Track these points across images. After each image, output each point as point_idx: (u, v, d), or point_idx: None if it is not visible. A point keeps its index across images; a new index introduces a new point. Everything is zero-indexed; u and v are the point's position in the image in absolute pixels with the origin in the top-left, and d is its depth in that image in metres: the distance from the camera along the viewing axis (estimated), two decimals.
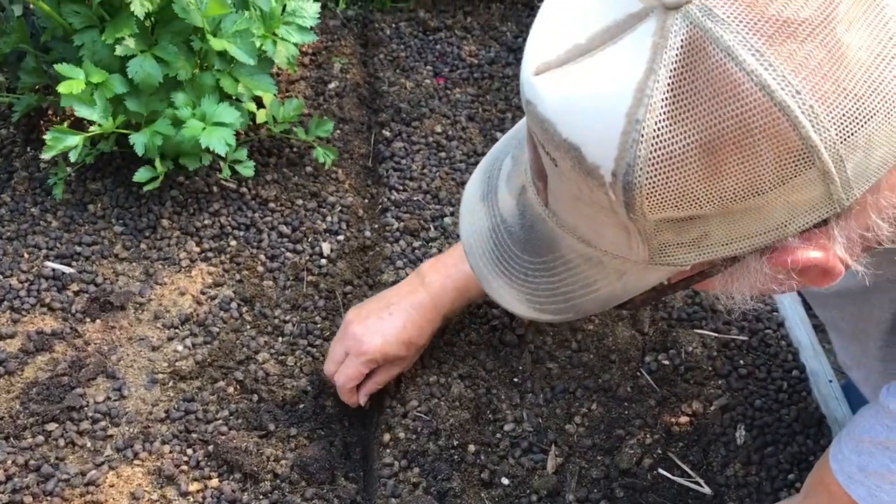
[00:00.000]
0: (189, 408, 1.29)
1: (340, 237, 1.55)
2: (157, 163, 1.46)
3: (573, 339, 1.39)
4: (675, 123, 0.61)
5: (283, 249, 1.52)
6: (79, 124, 1.51)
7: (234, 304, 1.43)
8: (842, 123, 0.60)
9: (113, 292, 1.42)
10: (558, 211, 0.76)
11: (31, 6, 1.41)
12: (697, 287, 0.82)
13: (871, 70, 0.60)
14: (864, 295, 1.01)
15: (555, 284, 0.81)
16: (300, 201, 1.60)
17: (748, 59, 0.58)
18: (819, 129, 0.60)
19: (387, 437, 1.27)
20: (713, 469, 1.25)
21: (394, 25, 2.03)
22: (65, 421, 1.26)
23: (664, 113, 0.61)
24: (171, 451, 1.25)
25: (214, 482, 1.22)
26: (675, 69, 0.60)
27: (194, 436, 1.27)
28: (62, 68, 1.36)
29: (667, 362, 1.36)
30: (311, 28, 1.54)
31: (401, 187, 1.64)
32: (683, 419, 1.30)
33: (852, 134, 0.61)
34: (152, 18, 1.43)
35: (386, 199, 1.63)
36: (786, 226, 0.66)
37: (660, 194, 0.64)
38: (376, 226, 1.60)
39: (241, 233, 1.53)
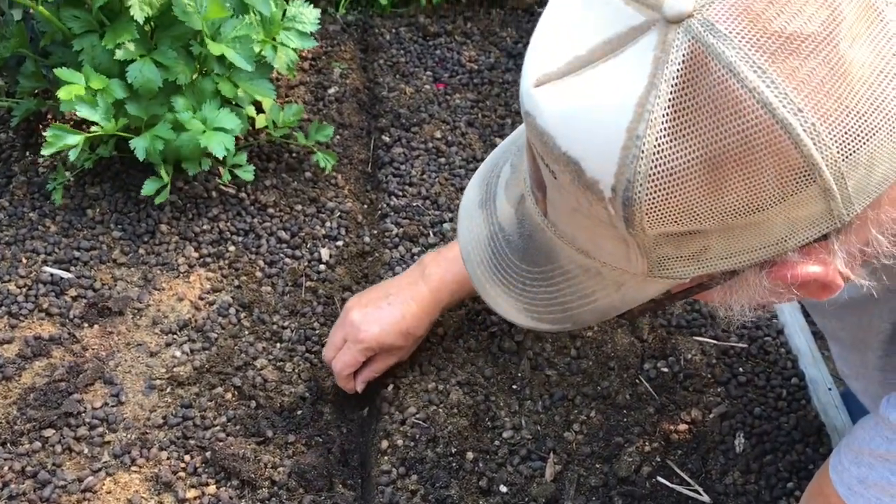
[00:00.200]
0: (187, 414, 1.29)
1: (339, 243, 1.55)
2: (163, 172, 1.45)
3: (572, 346, 1.39)
4: (675, 140, 0.60)
5: (281, 255, 1.52)
6: (78, 128, 1.50)
7: (232, 310, 1.43)
8: (844, 141, 0.60)
9: (111, 298, 1.42)
10: (557, 222, 0.76)
11: (31, 10, 1.41)
12: (696, 298, 0.82)
13: (874, 86, 0.60)
14: (864, 305, 1.00)
15: (553, 294, 0.81)
16: (299, 207, 1.59)
17: (750, 75, 0.58)
18: (821, 146, 0.59)
19: (385, 444, 1.27)
20: (712, 477, 1.25)
21: (394, 31, 2.02)
22: (62, 427, 1.26)
23: (665, 129, 0.60)
24: (168, 458, 1.24)
25: (212, 489, 1.22)
26: (676, 84, 0.60)
27: (192, 442, 1.26)
28: (62, 73, 1.36)
29: (666, 370, 1.36)
30: (311, 34, 1.53)
31: (400, 193, 1.64)
32: (682, 427, 1.29)
33: (854, 151, 0.60)
34: (152, 23, 1.43)
35: (385, 205, 1.62)
36: (786, 241, 0.66)
37: (659, 210, 0.63)
38: (375, 231, 1.60)
39: (240, 238, 1.53)
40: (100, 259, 1.47)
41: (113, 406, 1.29)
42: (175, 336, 1.39)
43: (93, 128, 1.40)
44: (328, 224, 1.57)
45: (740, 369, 1.37)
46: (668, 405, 1.32)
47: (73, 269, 1.46)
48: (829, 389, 1.36)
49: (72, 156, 1.37)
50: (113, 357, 1.35)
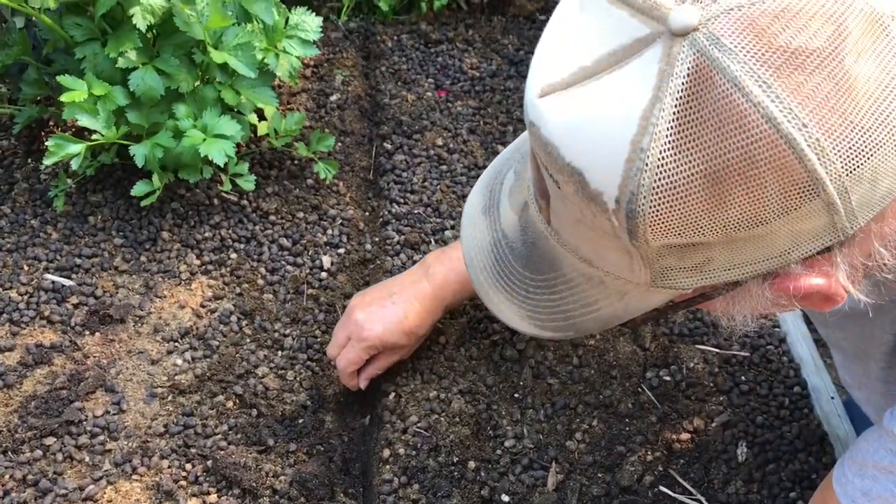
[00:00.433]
0: (188, 422, 1.29)
1: (341, 250, 1.55)
2: (155, 177, 1.45)
3: (574, 355, 1.38)
4: (679, 153, 0.60)
5: (283, 262, 1.52)
6: (80, 136, 1.50)
7: (233, 318, 1.43)
8: (848, 156, 0.60)
9: (112, 305, 1.41)
10: (560, 230, 0.76)
11: (34, 18, 1.41)
12: (699, 308, 0.81)
13: (879, 101, 0.60)
14: (866, 316, 1.00)
15: (555, 302, 0.81)
16: (301, 214, 1.59)
17: (755, 90, 0.58)
18: (825, 162, 0.59)
19: (386, 452, 1.26)
20: (714, 487, 1.24)
21: (395, 38, 2.03)
22: (63, 435, 1.26)
23: (669, 142, 0.60)
24: (169, 466, 1.24)
25: (213, 497, 1.22)
26: (680, 98, 0.60)
27: (193, 451, 1.26)
28: (65, 80, 1.36)
29: (668, 378, 1.36)
30: (314, 41, 1.53)
31: (402, 200, 1.64)
32: (685, 436, 1.29)
33: (858, 166, 0.60)
34: (154, 31, 1.43)
35: (387, 212, 1.62)
36: (789, 253, 0.66)
37: (663, 222, 0.63)
38: (377, 239, 1.60)
39: (242, 245, 1.53)
40: (101, 266, 1.47)
41: (114, 414, 1.29)
42: (176, 344, 1.39)
43: (94, 136, 1.40)
44: (330, 231, 1.57)
45: (742, 378, 1.37)
46: (670, 414, 1.32)
47: (74, 276, 1.46)
48: (832, 398, 1.36)
49: (74, 165, 1.37)
50: (114, 365, 1.35)
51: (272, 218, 1.58)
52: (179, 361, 1.36)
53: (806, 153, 0.59)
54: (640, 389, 1.35)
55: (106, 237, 1.52)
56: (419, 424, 1.29)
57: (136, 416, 1.30)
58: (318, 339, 1.42)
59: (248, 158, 1.60)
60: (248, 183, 1.52)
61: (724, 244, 0.65)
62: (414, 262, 1.52)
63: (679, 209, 0.62)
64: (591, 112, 0.64)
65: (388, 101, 1.85)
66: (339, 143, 1.74)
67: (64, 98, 1.34)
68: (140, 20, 1.34)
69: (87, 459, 1.24)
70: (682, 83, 0.60)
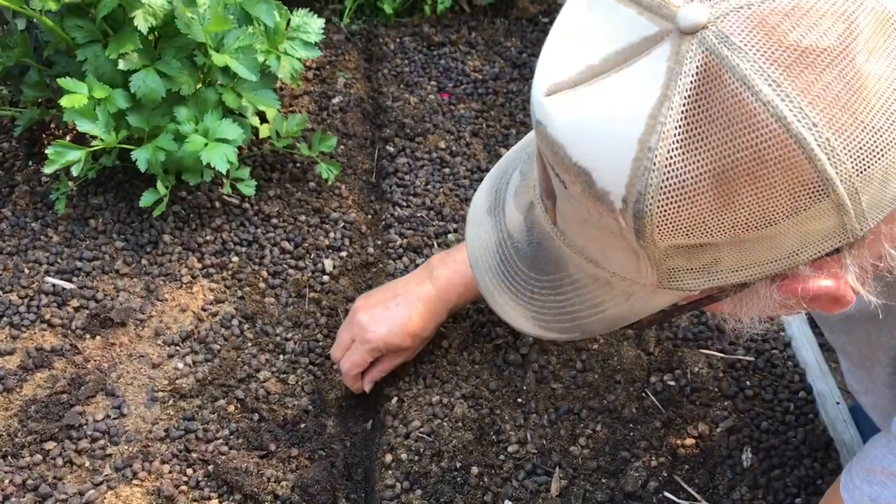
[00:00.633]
0: (189, 427, 1.28)
1: (343, 253, 1.54)
2: (160, 185, 1.45)
3: (578, 359, 1.37)
4: (687, 152, 0.60)
5: (285, 266, 1.51)
6: (81, 138, 1.50)
7: (235, 321, 1.42)
8: (858, 156, 0.59)
9: (113, 308, 1.41)
10: (566, 231, 0.75)
11: (35, 20, 1.41)
12: (706, 310, 0.81)
13: (891, 101, 0.59)
14: (873, 320, 1.00)
15: (561, 303, 0.80)
16: (303, 217, 1.59)
17: (765, 89, 0.57)
18: (835, 162, 0.59)
19: (389, 458, 1.25)
20: (719, 492, 1.23)
21: (398, 40, 2.02)
22: (63, 439, 1.25)
23: (677, 141, 0.60)
24: (170, 471, 1.23)
25: (214, 503, 1.21)
26: (689, 97, 0.59)
27: (194, 455, 1.25)
28: (65, 82, 1.35)
29: (672, 383, 1.35)
30: (316, 43, 1.53)
31: (404, 203, 1.63)
32: (689, 441, 1.28)
33: (869, 167, 0.60)
34: (156, 33, 1.43)
35: (389, 216, 1.62)
36: (797, 254, 0.65)
37: (671, 223, 0.63)
38: (379, 242, 1.59)
39: (243, 249, 1.52)
40: (102, 269, 1.47)
41: (115, 418, 1.28)
42: (177, 348, 1.38)
43: (94, 141, 1.39)
44: (332, 234, 1.57)
45: (747, 382, 1.36)
46: (674, 419, 1.31)
47: (75, 279, 1.45)
48: (837, 403, 1.35)
49: (74, 171, 1.36)
50: (115, 369, 1.34)
51: (274, 221, 1.57)
52: (180, 365, 1.35)
53: (816, 153, 0.58)
54: (644, 394, 1.34)
55: (107, 240, 1.51)
56: (422, 429, 1.28)
57: (137, 420, 1.29)
58: (320, 343, 1.41)
59: (250, 161, 1.59)
60: (248, 188, 1.52)
61: (732, 245, 0.65)
62: (416, 266, 1.51)
63: (687, 209, 0.62)
64: (599, 111, 0.63)
65: (391, 104, 1.84)
66: (342, 146, 1.73)
67: (63, 103, 1.33)
68: (142, 22, 1.33)
69: (87, 464, 1.23)
70: (691, 82, 0.59)
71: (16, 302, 1.41)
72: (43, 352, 1.34)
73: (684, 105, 0.59)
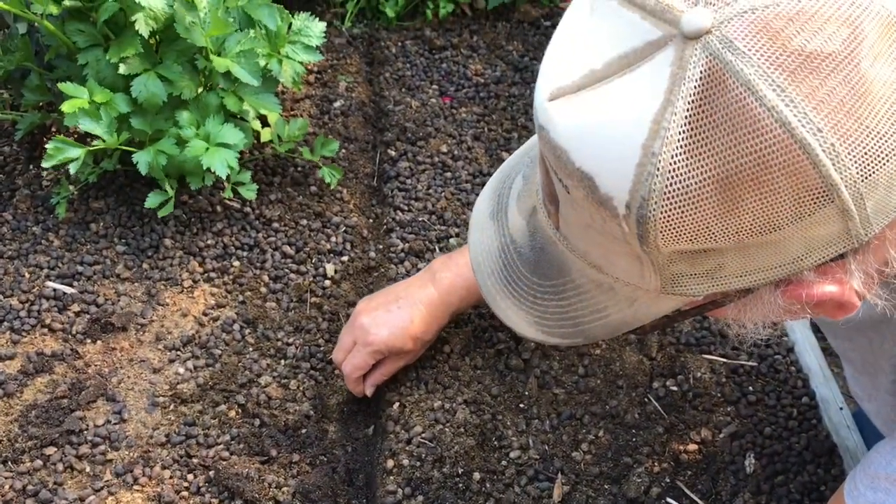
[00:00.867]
0: (190, 432, 1.27)
1: (345, 258, 1.54)
2: (167, 186, 1.44)
3: (580, 364, 1.37)
4: (691, 158, 0.59)
5: (286, 270, 1.50)
6: (82, 142, 1.49)
7: (236, 326, 1.41)
8: (863, 162, 0.59)
9: (114, 313, 1.40)
10: (569, 236, 0.75)
11: (36, 24, 1.40)
12: (709, 315, 0.80)
13: None
14: (876, 327, 0.99)
15: (564, 308, 0.80)
16: (304, 221, 1.58)
17: (769, 94, 0.57)
18: (840, 167, 0.58)
19: (390, 463, 1.25)
20: (722, 498, 1.23)
21: (399, 44, 2.02)
22: (64, 445, 1.24)
23: (681, 146, 0.59)
24: (171, 477, 1.23)
25: None
26: (693, 102, 0.58)
27: (195, 461, 1.25)
28: (66, 87, 1.35)
29: (675, 388, 1.34)
30: (317, 47, 1.52)
31: (406, 207, 1.63)
32: (692, 447, 1.28)
33: (874, 172, 0.59)
34: (157, 37, 1.42)
35: (391, 220, 1.61)
36: (802, 259, 0.65)
37: (674, 228, 0.62)
38: (381, 246, 1.59)
39: (245, 253, 1.52)
40: (103, 274, 1.46)
41: (115, 424, 1.28)
42: (178, 352, 1.37)
43: (95, 142, 1.39)
44: (333, 239, 1.56)
45: (750, 388, 1.35)
46: (677, 424, 1.30)
47: (76, 283, 1.45)
48: (841, 409, 1.34)
49: (72, 169, 1.36)
50: (116, 373, 1.34)
51: (275, 225, 1.57)
52: (181, 370, 1.35)
53: (820, 158, 0.58)
54: (646, 399, 1.33)
55: (108, 244, 1.50)
56: (423, 435, 1.27)
57: (138, 425, 1.28)
58: (322, 348, 1.40)
59: (252, 165, 1.59)
60: (249, 192, 1.51)
61: (736, 250, 0.64)
62: (418, 270, 1.51)
63: (691, 215, 0.61)
64: (602, 116, 0.63)
65: (393, 108, 1.84)
66: (343, 150, 1.73)
67: (65, 108, 1.33)
68: (143, 26, 1.33)
69: (87, 469, 1.23)
70: (695, 87, 0.58)
71: (16, 306, 1.40)
72: (43, 356, 1.34)
73: (688, 110, 0.59)
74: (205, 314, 1.43)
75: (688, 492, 1.23)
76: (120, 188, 1.58)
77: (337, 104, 1.83)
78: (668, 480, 1.24)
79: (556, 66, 0.67)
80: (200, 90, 1.45)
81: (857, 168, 0.59)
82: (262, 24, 1.46)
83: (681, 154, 0.59)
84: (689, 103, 0.59)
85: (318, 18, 1.54)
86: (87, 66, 1.40)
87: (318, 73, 1.90)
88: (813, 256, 0.64)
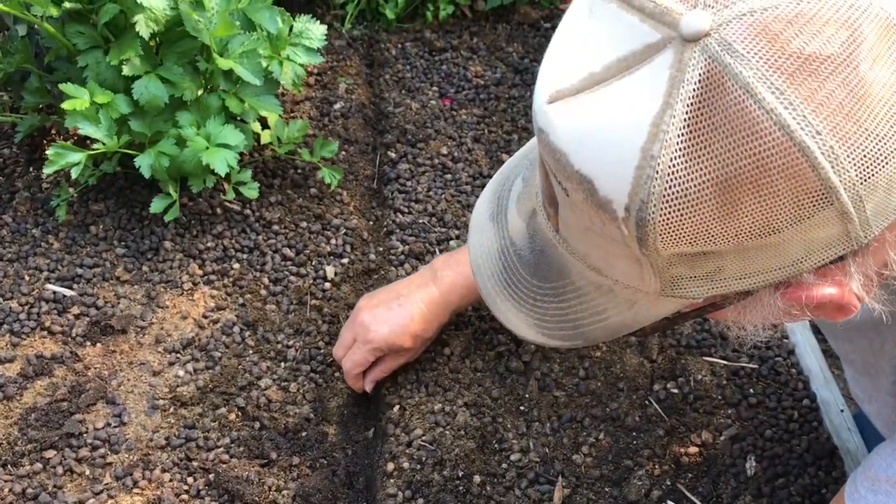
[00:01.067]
0: (190, 435, 1.27)
1: (345, 260, 1.54)
2: (171, 189, 1.44)
3: (580, 367, 1.37)
4: (690, 161, 0.59)
5: (286, 273, 1.50)
6: (82, 144, 1.49)
7: (236, 329, 1.41)
8: (862, 164, 0.58)
9: (114, 316, 1.40)
10: (569, 238, 0.75)
11: (36, 26, 1.40)
12: (709, 317, 0.80)
13: (895, 108, 0.58)
14: (877, 329, 0.99)
15: (564, 311, 0.80)
16: (304, 223, 1.58)
17: (768, 97, 0.57)
18: (839, 170, 0.58)
19: (391, 466, 1.25)
20: (723, 501, 1.22)
21: (399, 46, 2.02)
22: (63, 448, 1.24)
23: (680, 149, 0.59)
24: (171, 480, 1.23)
25: None
26: (692, 104, 0.58)
27: (195, 464, 1.25)
28: (67, 88, 1.34)
29: (675, 391, 1.34)
30: (318, 49, 1.52)
31: (406, 209, 1.63)
32: (693, 449, 1.27)
33: (873, 174, 0.59)
34: (157, 39, 1.42)
35: (391, 222, 1.61)
36: (801, 262, 0.65)
37: (673, 231, 0.62)
38: (381, 249, 1.59)
39: (245, 255, 1.52)
40: (103, 276, 1.46)
41: (115, 426, 1.28)
42: (178, 355, 1.37)
43: (95, 145, 1.39)
44: (333, 241, 1.56)
45: (751, 390, 1.35)
46: (678, 427, 1.30)
47: (75, 286, 1.44)
48: (842, 411, 1.34)
49: (74, 174, 1.36)
50: (115, 376, 1.33)
51: (275, 227, 1.56)
52: (181, 373, 1.35)
53: (819, 161, 0.58)
54: (647, 402, 1.33)
55: (108, 247, 1.50)
56: (424, 438, 1.27)
57: (138, 428, 1.28)
58: (322, 351, 1.40)
59: (251, 167, 1.59)
60: (251, 191, 1.51)
61: (735, 253, 0.64)
62: None
63: (690, 217, 0.61)
64: (601, 119, 0.63)
65: (393, 110, 1.84)
66: (343, 152, 1.72)
67: (65, 106, 1.33)
68: (143, 28, 1.33)
69: (87, 473, 1.23)
70: (694, 89, 0.58)
71: (16, 309, 1.40)
72: (43, 359, 1.34)
73: (687, 113, 0.59)
74: (205, 317, 1.43)
75: (688, 495, 1.23)
76: (120, 191, 1.58)
77: (337, 106, 1.82)
78: (668, 483, 1.24)
79: (555, 69, 0.66)
80: (201, 92, 1.45)
81: (856, 171, 0.59)
82: (264, 27, 1.46)
83: (680, 157, 0.59)
84: (687, 106, 0.58)
85: (318, 21, 1.54)
86: (87, 69, 1.39)
87: (318, 75, 1.90)
88: (812, 259, 0.64)
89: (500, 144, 1.77)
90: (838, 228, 0.62)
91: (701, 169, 0.59)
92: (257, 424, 1.30)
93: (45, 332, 1.38)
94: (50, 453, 1.23)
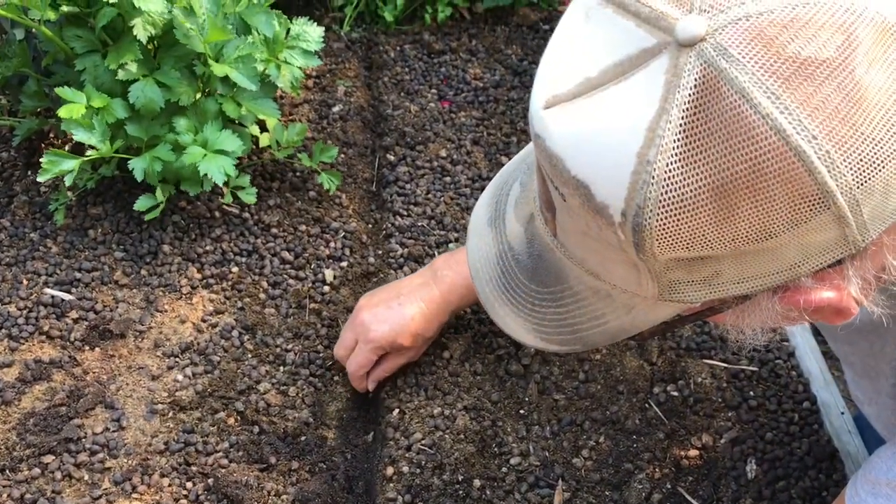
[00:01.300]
0: (189, 439, 1.27)
1: (344, 263, 1.53)
2: (158, 191, 1.44)
3: (580, 370, 1.36)
4: (686, 166, 0.59)
5: (285, 276, 1.50)
6: (79, 148, 1.49)
7: (235, 333, 1.41)
8: (859, 168, 0.58)
9: (112, 320, 1.40)
10: (566, 243, 0.75)
11: (33, 30, 1.40)
12: (708, 320, 0.80)
13: (891, 112, 0.58)
14: (877, 331, 0.99)
15: (562, 315, 0.80)
16: (303, 227, 1.58)
17: (763, 101, 0.57)
18: (835, 174, 0.58)
19: (390, 470, 1.24)
20: None
21: (398, 48, 2.01)
22: (62, 453, 1.24)
23: (676, 155, 0.59)
24: (170, 485, 1.22)
25: None
26: (687, 110, 0.58)
27: (194, 469, 1.24)
28: (64, 92, 1.34)
29: (675, 393, 1.34)
30: (316, 52, 1.52)
31: (405, 212, 1.62)
32: (693, 452, 1.27)
33: (870, 178, 0.59)
34: (155, 42, 1.42)
35: (390, 225, 1.61)
36: (799, 266, 0.64)
37: (670, 236, 0.62)
38: (380, 252, 1.58)
39: (243, 259, 1.51)
40: (101, 280, 1.46)
41: (114, 431, 1.27)
42: (177, 359, 1.37)
43: (89, 151, 1.38)
44: (332, 244, 1.56)
45: (751, 393, 1.35)
46: (678, 430, 1.30)
47: (74, 290, 1.44)
48: (842, 413, 1.34)
49: (68, 181, 1.36)
50: (114, 381, 1.33)
51: (274, 231, 1.56)
52: (180, 377, 1.35)
53: (816, 165, 0.57)
54: (647, 405, 1.33)
55: (106, 251, 1.50)
56: (423, 442, 1.27)
57: (136, 433, 1.28)
58: (321, 355, 1.40)
59: (250, 170, 1.58)
60: (249, 196, 1.51)
61: (732, 257, 0.64)
62: None
63: (686, 222, 0.61)
64: (597, 124, 0.62)
65: (391, 112, 1.83)
66: (342, 155, 1.72)
67: (61, 113, 1.33)
68: (141, 32, 1.33)
69: (86, 478, 1.22)
70: (690, 94, 0.58)
71: (14, 313, 1.40)
72: (41, 364, 1.33)
73: (683, 118, 0.58)
74: (203, 320, 1.42)
75: (689, 498, 1.22)
76: (118, 194, 1.58)
77: (335, 109, 1.82)
78: (669, 486, 1.23)
79: (552, 74, 0.66)
80: (198, 96, 1.45)
81: (852, 175, 0.58)
82: (260, 31, 1.45)
83: (676, 162, 0.59)
84: (683, 111, 0.58)
85: (316, 23, 1.53)
86: (85, 72, 1.39)
87: (317, 78, 1.89)
88: (810, 263, 0.64)
89: (499, 147, 1.77)
90: (835, 232, 0.61)
91: (697, 174, 0.59)
92: (256, 429, 1.30)
93: (43, 337, 1.38)
94: (48, 458, 1.23)
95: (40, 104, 1.54)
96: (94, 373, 1.34)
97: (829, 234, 0.61)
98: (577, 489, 1.23)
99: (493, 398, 1.33)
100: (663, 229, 0.62)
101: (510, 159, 0.92)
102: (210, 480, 1.23)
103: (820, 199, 0.59)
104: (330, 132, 1.77)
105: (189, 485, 1.23)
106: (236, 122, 1.52)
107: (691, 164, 0.59)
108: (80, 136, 1.36)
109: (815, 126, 0.57)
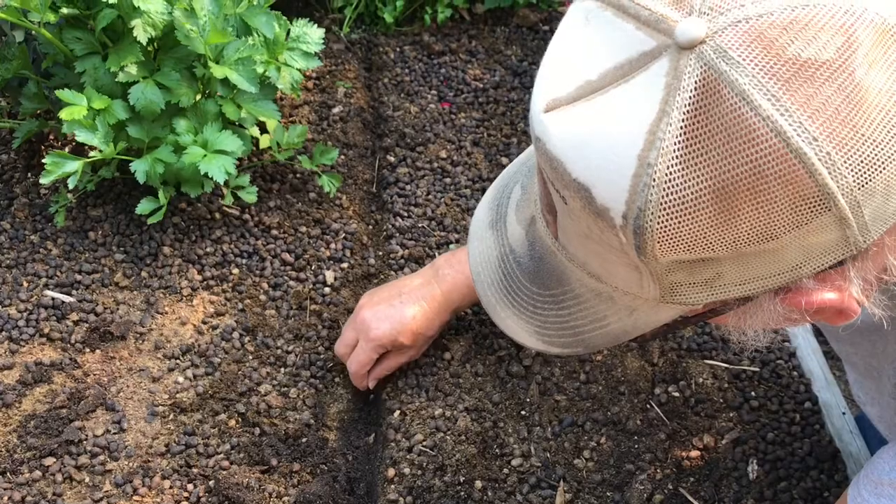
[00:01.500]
0: (190, 441, 1.27)
1: (344, 265, 1.53)
2: (161, 194, 1.44)
3: (581, 371, 1.36)
4: (687, 168, 0.59)
5: (285, 278, 1.50)
6: (80, 149, 1.49)
7: (235, 334, 1.41)
8: (859, 169, 0.58)
9: (113, 322, 1.40)
10: (568, 246, 0.75)
11: (33, 32, 1.40)
12: (710, 322, 0.80)
13: (891, 113, 0.58)
14: (879, 332, 0.98)
15: (564, 318, 0.80)
16: (303, 228, 1.58)
17: (764, 103, 0.57)
18: (836, 175, 0.58)
19: (391, 472, 1.24)
20: None
21: (398, 49, 2.01)
22: (63, 455, 1.24)
23: (676, 157, 0.59)
24: (171, 487, 1.22)
25: None
26: (688, 112, 0.58)
27: (195, 471, 1.24)
28: (64, 94, 1.34)
29: (677, 394, 1.34)
30: (316, 53, 1.52)
31: (405, 214, 1.62)
32: (694, 453, 1.27)
33: (870, 180, 0.59)
34: (155, 44, 1.42)
35: (390, 226, 1.61)
36: (800, 267, 0.65)
37: (671, 238, 0.62)
38: (380, 253, 1.58)
39: (244, 260, 1.51)
40: (102, 282, 1.46)
41: (115, 433, 1.27)
42: (178, 361, 1.37)
43: (92, 152, 1.38)
44: (333, 246, 1.56)
45: (752, 393, 1.35)
46: (679, 431, 1.29)
47: (74, 292, 1.44)
48: (843, 414, 1.34)
49: (71, 183, 1.36)
50: (115, 383, 1.33)
51: (274, 232, 1.56)
52: (181, 379, 1.35)
53: (816, 167, 0.57)
54: (648, 406, 1.33)
55: (106, 252, 1.50)
56: (424, 443, 1.27)
57: (137, 435, 1.28)
58: (322, 356, 1.40)
59: (250, 172, 1.58)
60: (250, 195, 1.51)
61: (733, 259, 0.64)
62: None
63: (687, 225, 0.61)
64: (598, 127, 0.62)
65: (391, 113, 1.83)
66: (342, 156, 1.72)
67: (63, 115, 1.32)
68: (141, 33, 1.32)
69: (87, 480, 1.22)
70: (690, 97, 0.58)
71: (15, 316, 1.40)
72: (42, 366, 1.33)
73: (683, 121, 0.58)
74: (204, 322, 1.42)
75: (690, 499, 1.22)
76: (118, 196, 1.58)
77: (336, 110, 1.82)
78: (670, 487, 1.23)
79: (552, 77, 0.66)
80: (199, 97, 1.45)
81: (853, 176, 0.58)
82: (261, 32, 1.45)
83: (676, 164, 0.59)
84: (684, 113, 0.58)
85: (316, 24, 1.53)
86: (85, 74, 1.39)
87: (317, 79, 1.89)
88: (811, 264, 0.64)
89: (500, 148, 1.77)
90: (836, 234, 0.61)
91: (698, 176, 0.59)
92: (257, 430, 1.30)
93: (43, 339, 1.38)
94: (49, 461, 1.23)
95: (40, 106, 1.54)
96: (94, 375, 1.34)
97: (831, 235, 0.62)
98: (579, 490, 1.23)
99: (495, 399, 1.32)
100: (664, 231, 0.62)
101: (510, 160, 0.92)
102: (211, 482, 1.23)
103: (821, 200, 0.59)
104: (330, 133, 1.76)
105: (190, 487, 1.23)
106: (236, 123, 1.52)
107: (692, 166, 0.59)
108: (83, 137, 1.36)
109: (816, 128, 0.57)
